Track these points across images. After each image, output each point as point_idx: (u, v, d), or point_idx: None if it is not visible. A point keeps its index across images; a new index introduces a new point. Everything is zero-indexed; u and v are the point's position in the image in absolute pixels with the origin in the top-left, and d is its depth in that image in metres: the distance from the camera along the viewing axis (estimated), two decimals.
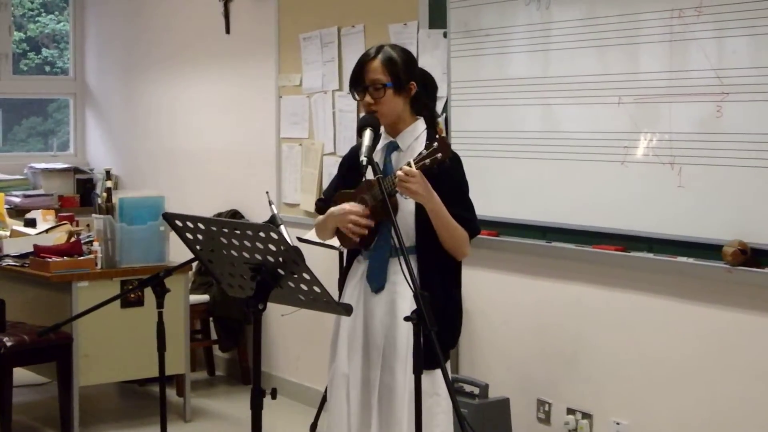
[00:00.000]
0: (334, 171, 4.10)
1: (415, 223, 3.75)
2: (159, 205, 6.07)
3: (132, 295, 5.88)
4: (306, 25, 6.45)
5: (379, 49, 3.81)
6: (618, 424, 4.63)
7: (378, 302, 3.81)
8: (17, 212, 7.73)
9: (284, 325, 6.57)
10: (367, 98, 3.77)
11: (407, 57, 3.85)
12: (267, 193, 5.01)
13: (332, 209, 3.84)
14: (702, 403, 4.32)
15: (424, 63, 5.27)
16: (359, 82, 3.80)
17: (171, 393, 6.35)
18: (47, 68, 9.37)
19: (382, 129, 3.75)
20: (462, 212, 3.76)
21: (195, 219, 3.39)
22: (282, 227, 3.93)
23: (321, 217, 3.94)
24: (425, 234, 3.74)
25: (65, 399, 5.80)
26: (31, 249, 6.09)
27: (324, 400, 5.69)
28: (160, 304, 4.02)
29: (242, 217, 7.01)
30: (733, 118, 4.05)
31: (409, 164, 3.59)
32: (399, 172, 3.59)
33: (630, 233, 4.49)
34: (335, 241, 4.06)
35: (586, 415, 4.78)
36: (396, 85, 3.76)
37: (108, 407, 6.70)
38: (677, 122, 4.26)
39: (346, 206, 3.78)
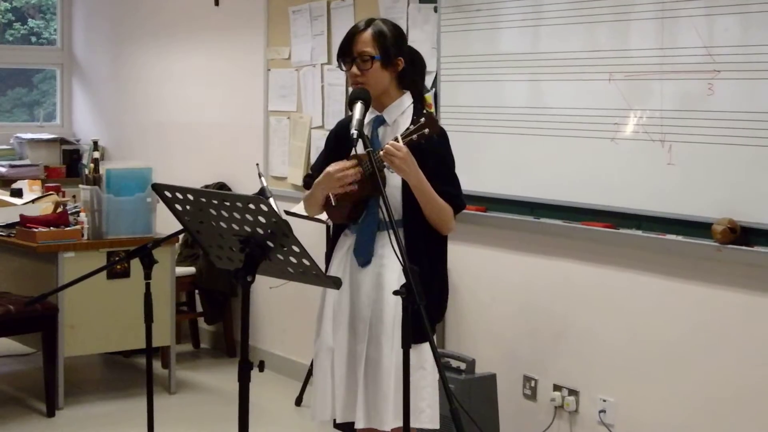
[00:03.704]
0: (323, 145, 4.08)
1: (402, 198, 3.75)
2: (146, 176, 6.05)
3: (118, 267, 5.87)
4: None
5: (370, 21, 3.82)
6: (604, 401, 4.64)
7: (364, 276, 3.81)
8: (3, 182, 7.72)
9: (270, 299, 6.56)
10: (354, 69, 3.78)
11: (397, 32, 3.86)
12: (257, 165, 5.00)
13: (317, 180, 3.82)
14: (689, 381, 4.33)
15: (414, 37, 5.26)
16: (347, 53, 3.81)
17: (156, 365, 6.34)
18: (33, 39, 9.31)
19: None
20: (447, 188, 3.77)
21: (184, 190, 3.37)
22: (271, 200, 3.92)
23: (308, 192, 3.92)
24: (412, 208, 3.74)
25: (50, 369, 5.79)
26: (17, 219, 6.06)
27: (309, 373, 5.70)
28: (147, 275, 4.01)
29: (229, 189, 6.99)
30: (724, 96, 4.04)
31: (396, 139, 3.59)
32: (387, 146, 3.59)
33: (619, 210, 4.48)
34: (323, 216, 4.04)
35: (573, 392, 4.79)
36: (384, 58, 3.77)
37: (93, 378, 6.70)
38: (668, 99, 4.25)
39: (329, 168, 3.76)
